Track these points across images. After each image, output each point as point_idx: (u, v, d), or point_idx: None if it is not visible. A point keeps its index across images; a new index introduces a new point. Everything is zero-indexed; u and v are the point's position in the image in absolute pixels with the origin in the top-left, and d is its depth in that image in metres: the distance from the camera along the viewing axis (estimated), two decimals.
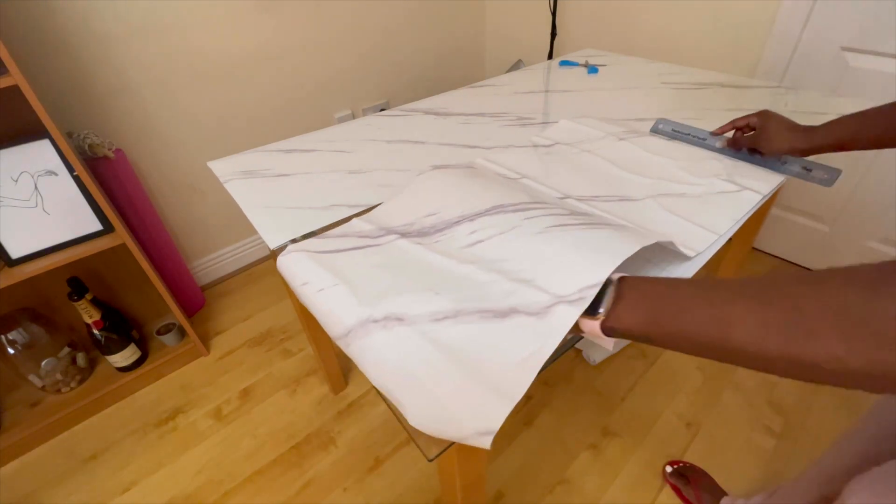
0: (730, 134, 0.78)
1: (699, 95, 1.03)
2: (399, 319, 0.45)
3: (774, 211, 1.57)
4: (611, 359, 1.28)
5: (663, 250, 0.57)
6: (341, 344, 0.47)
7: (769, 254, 1.64)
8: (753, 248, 1.66)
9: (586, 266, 0.42)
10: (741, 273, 1.54)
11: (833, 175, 0.68)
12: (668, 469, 1.01)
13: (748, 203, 0.66)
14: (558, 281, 0.43)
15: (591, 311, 0.38)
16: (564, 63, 1.28)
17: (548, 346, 0.39)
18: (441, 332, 0.43)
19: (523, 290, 0.44)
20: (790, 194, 1.51)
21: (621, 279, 0.38)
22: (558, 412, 1.16)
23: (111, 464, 1.10)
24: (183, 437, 1.15)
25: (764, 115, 0.72)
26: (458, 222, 0.56)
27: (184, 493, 1.03)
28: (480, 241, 0.52)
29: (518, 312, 0.42)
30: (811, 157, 0.70)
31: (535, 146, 0.84)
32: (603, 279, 0.39)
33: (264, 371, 1.31)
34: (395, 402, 0.41)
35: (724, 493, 0.94)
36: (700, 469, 1.00)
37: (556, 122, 0.92)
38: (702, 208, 0.65)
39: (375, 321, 0.45)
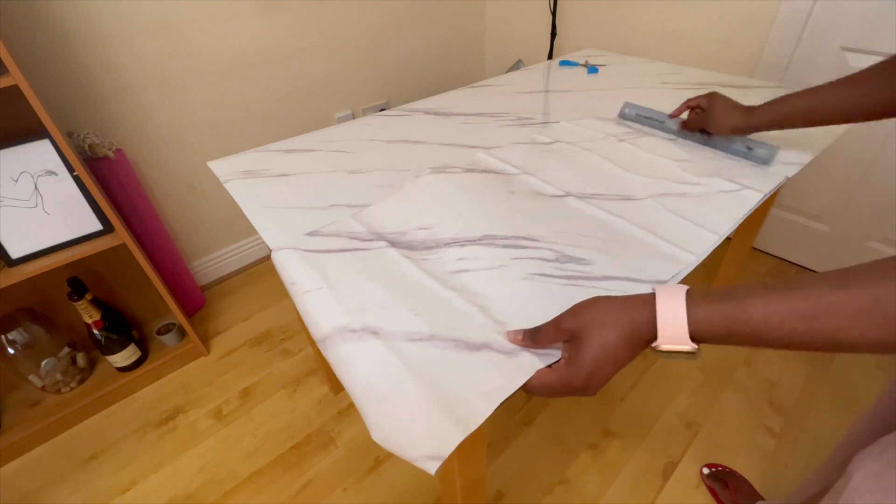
0: (685, 116, 0.83)
1: (699, 95, 1.03)
2: (374, 333, 0.46)
3: (774, 211, 1.57)
4: None
5: (662, 255, 0.57)
6: (320, 347, 0.48)
7: (769, 254, 1.64)
8: (753, 248, 1.66)
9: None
10: (741, 273, 1.54)
11: (771, 153, 0.73)
12: (706, 471, 1.00)
13: (748, 202, 0.66)
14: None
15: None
16: (564, 63, 1.28)
17: (512, 385, 0.40)
18: (413, 353, 0.44)
19: (497, 330, 0.46)
20: (790, 194, 1.51)
21: (689, 290, 0.37)
22: (558, 412, 1.16)
23: (111, 464, 1.10)
24: (183, 437, 1.15)
25: (712, 96, 0.76)
26: (448, 244, 0.58)
27: (184, 493, 1.03)
28: (467, 271, 0.54)
29: (490, 349, 0.44)
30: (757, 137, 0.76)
31: (536, 143, 0.84)
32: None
33: (264, 371, 1.31)
34: (360, 412, 0.42)
35: (760, 498, 0.94)
36: (740, 475, 0.99)
37: (557, 122, 0.93)
38: (702, 208, 0.65)
39: (352, 331, 0.47)
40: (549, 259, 0.55)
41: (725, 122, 0.73)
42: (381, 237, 0.60)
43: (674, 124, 0.84)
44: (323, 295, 0.51)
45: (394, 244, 0.58)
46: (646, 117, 0.88)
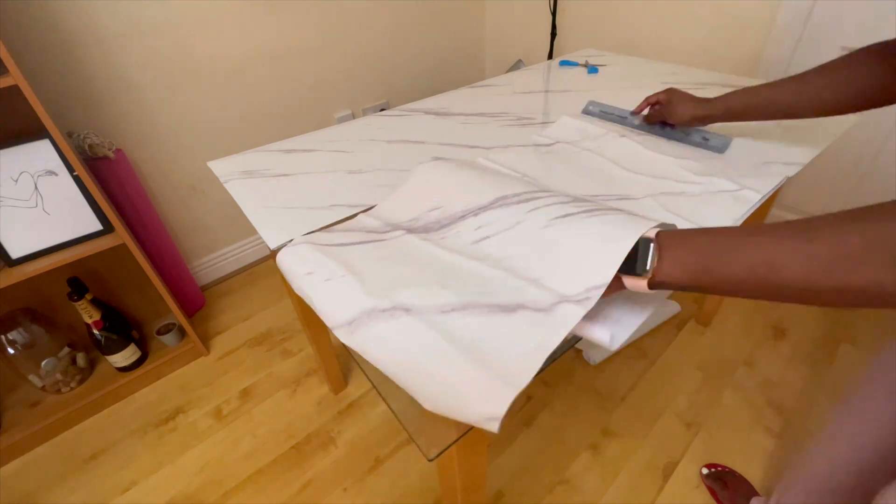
0: (646, 112, 0.87)
1: (699, 95, 1.03)
2: (406, 310, 0.44)
3: (774, 211, 1.56)
4: (611, 359, 1.28)
5: None
6: (343, 332, 0.46)
7: None
8: None
9: (592, 266, 0.42)
10: None
11: (725, 143, 0.77)
12: (705, 471, 1.00)
13: (748, 202, 0.66)
14: (565, 280, 0.43)
15: (633, 270, 0.39)
16: (564, 63, 1.28)
17: (553, 341, 0.39)
18: (448, 323, 0.43)
19: (530, 289, 0.44)
20: (790, 194, 1.51)
21: (659, 234, 0.39)
22: (558, 412, 1.16)
23: (111, 464, 1.10)
24: (183, 437, 1.15)
25: (670, 91, 0.81)
26: (462, 217, 0.56)
27: (184, 493, 1.03)
28: (487, 238, 0.52)
29: (525, 308, 0.43)
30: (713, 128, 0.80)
31: (536, 145, 0.84)
32: (608, 280, 0.40)
33: (264, 371, 1.31)
34: (403, 387, 0.41)
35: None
36: (739, 475, 0.99)
37: (557, 119, 0.93)
38: (701, 207, 0.65)
39: (383, 310, 0.44)
40: (566, 201, 0.51)
41: (685, 113, 0.77)
42: (396, 227, 0.59)
43: (636, 119, 0.88)
44: (347, 281, 0.49)
45: (410, 230, 0.57)
46: (609, 113, 0.93)
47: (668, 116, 0.80)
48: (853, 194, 1.37)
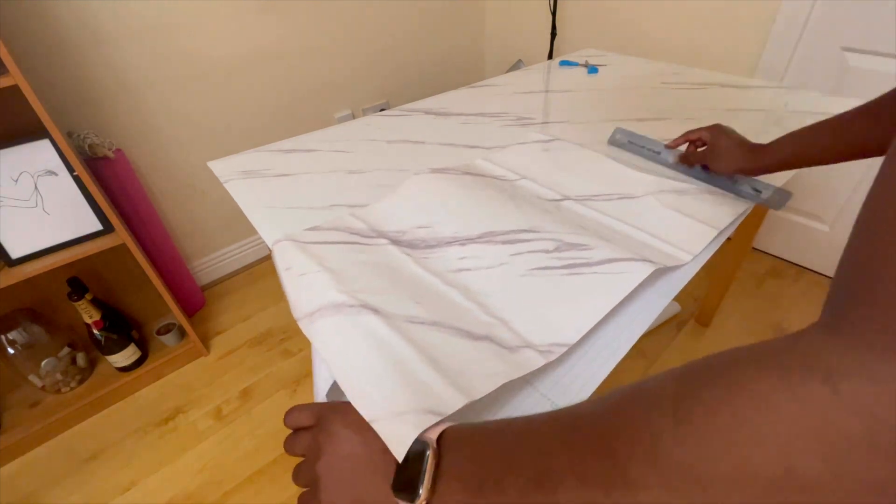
0: (683, 148, 0.74)
1: (699, 95, 1.03)
2: (374, 311, 0.44)
3: (774, 211, 1.56)
4: None
5: (660, 254, 0.57)
6: (304, 322, 0.45)
7: (769, 254, 1.64)
8: (753, 248, 1.66)
9: (558, 326, 0.45)
10: (741, 273, 1.54)
11: (784, 198, 0.64)
12: None
13: (748, 201, 0.66)
14: (532, 330, 0.45)
15: (407, 492, 0.27)
16: (564, 63, 1.28)
17: (513, 374, 0.40)
18: (413, 331, 0.43)
19: (499, 327, 0.46)
20: None
21: (440, 438, 0.29)
22: None
23: (111, 464, 1.10)
24: (183, 437, 1.15)
25: (716, 129, 0.68)
26: (449, 243, 0.57)
27: (184, 493, 1.03)
28: (468, 270, 0.53)
29: (491, 341, 0.44)
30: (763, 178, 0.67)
31: (535, 142, 0.84)
32: (573, 342, 0.43)
33: (264, 371, 1.31)
34: (344, 386, 0.37)
35: None
36: None
37: (559, 122, 0.92)
38: (702, 205, 0.65)
39: (350, 306, 0.44)
40: (550, 250, 0.54)
41: (732, 163, 0.65)
42: (381, 235, 0.59)
43: (671, 156, 0.75)
44: (319, 277, 0.49)
45: (395, 242, 0.58)
46: (639, 146, 0.80)
47: (710, 162, 0.68)
48: (853, 194, 1.37)
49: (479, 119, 0.97)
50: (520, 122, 0.95)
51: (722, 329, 1.35)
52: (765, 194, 0.65)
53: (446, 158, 0.82)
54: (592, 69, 1.22)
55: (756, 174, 0.66)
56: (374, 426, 0.31)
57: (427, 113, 1.01)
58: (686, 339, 1.32)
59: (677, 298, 1.43)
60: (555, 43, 1.80)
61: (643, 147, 0.79)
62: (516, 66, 1.98)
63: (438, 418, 0.31)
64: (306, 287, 0.49)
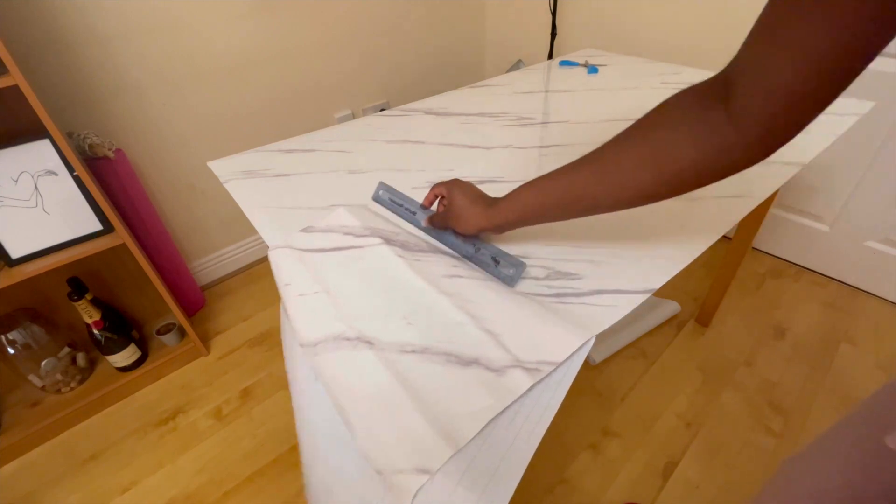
0: (436, 206, 0.63)
1: None
2: (369, 343, 0.46)
3: (774, 211, 1.57)
4: (611, 359, 1.28)
5: (654, 258, 0.57)
6: (308, 352, 0.48)
7: (769, 254, 1.64)
8: (753, 248, 1.66)
9: (550, 341, 0.45)
10: (741, 273, 1.54)
11: (517, 272, 0.53)
12: None
13: (746, 207, 0.66)
14: (522, 345, 0.45)
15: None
16: (564, 63, 1.28)
17: (498, 406, 0.41)
18: (405, 365, 0.45)
19: (488, 343, 0.46)
20: (790, 194, 1.51)
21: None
22: (558, 412, 1.15)
23: (111, 464, 1.10)
24: (183, 437, 1.15)
25: (451, 185, 0.58)
26: (444, 253, 0.58)
27: (184, 493, 1.03)
28: (459, 277, 0.53)
29: (480, 365, 0.44)
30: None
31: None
32: (562, 360, 0.43)
33: (264, 371, 1.31)
34: (344, 421, 0.42)
35: None
36: None
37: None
38: (699, 206, 0.65)
39: (347, 339, 0.47)
40: (540, 277, 0.55)
41: (470, 221, 0.54)
42: (375, 232, 0.59)
43: (424, 217, 0.63)
44: (320, 300, 0.51)
45: (389, 241, 0.57)
46: (398, 204, 0.67)
47: (451, 223, 0.56)
48: (853, 194, 1.37)
49: (479, 119, 0.97)
50: (520, 122, 0.95)
51: (722, 329, 1.35)
52: (501, 266, 0.54)
53: (446, 159, 0.82)
54: (592, 69, 1.22)
55: (499, 232, 0.56)
56: (381, 477, 0.38)
57: (427, 113, 1.01)
58: (686, 339, 1.32)
59: (677, 298, 1.43)
60: (555, 43, 1.80)
61: (402, 206, 0.67)
62: (516, 66, 1.98)
63: (428, 476, 0.36)
64: (307, 310, 0.51)
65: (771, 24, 0.31)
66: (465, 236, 0.57)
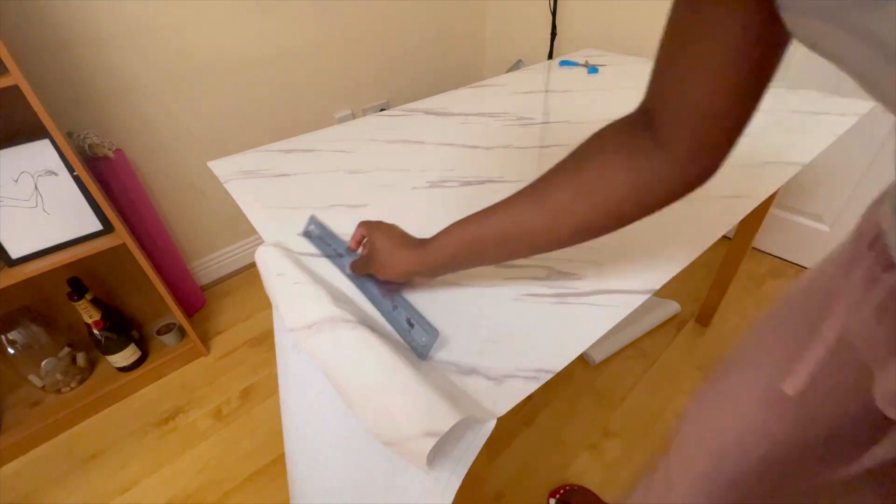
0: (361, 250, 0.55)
1: None
2: (370, 328, 0.46)
3: (774, 211, 1.56)
4: (611, 359, 1.28)
5: (653, 257, 0.57)
6: (301, 334, 0.47)
7: (769, 254, 1.64)
8: (753, 248, 1.66)
9: (547, 349, 0.45)
10: (741, 272, 1.53)
11: (429, 341, 0.46)
12: (552, 502, 0.98)
13: (746, 207, 0.66)
14: (521, 352, 0.46)
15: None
16: (564, 63, 1.28)
17: (497, 411, 0.41)
18: (408, 352, 0.45)
19: (486, 353, 0.47)
20: (790, 194, 1.51)
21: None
22: (558, 412, 1.16)
23: (111, 464, 1.10)
24: (183, 437, 1.15)
25: (372, 227, 0.51)
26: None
27: (184, 493, 1.03)
28: (458, 285, 0.54)
29: (478, 374, 0.45)
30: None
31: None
32: (558, 369, 0.44)
33: (264, 371, 1.31)
34: (345, 400, 0.42)
35: None
36: (582, 488, 0.99)
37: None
38: (699, 206, 0.65)
39: (346, 321, 0.46)
40: (541, 277, 0.55)
41: (394, 265, 0.48)
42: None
43: (350, 260, 0.55)
44: (314, 288, 0.50)
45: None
46: (327, 244, 0.61)
47: (374, 270, 0.50)
48: (853, 194, 1.37)
49: (479, 119, 0.97)
50: (520, 122, 0.95)
51: (722, 329, 1.35)
52: (415, 331, 0.47)
53: (446, 159, 0.82)
54: (592, 69, 1.22)
55: (433, 276, 0.51)
56: (391, 448, 0.39)
57: (427, 113, 1.01)
58: (686, 339, 1.32)
59: (677, 298, 1.43)
60: (555, 43, 1.80)
61: (329, 246, 0.60)
62: (516, 66, 1.98)
63: (435, 438, 0.36)
64: (302, 296, 0.50)
65: (672, 51, 0.34)
66: (388, 287, 0.52)
